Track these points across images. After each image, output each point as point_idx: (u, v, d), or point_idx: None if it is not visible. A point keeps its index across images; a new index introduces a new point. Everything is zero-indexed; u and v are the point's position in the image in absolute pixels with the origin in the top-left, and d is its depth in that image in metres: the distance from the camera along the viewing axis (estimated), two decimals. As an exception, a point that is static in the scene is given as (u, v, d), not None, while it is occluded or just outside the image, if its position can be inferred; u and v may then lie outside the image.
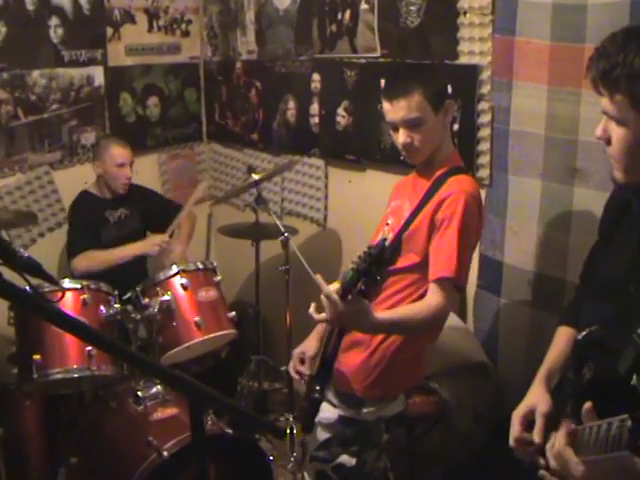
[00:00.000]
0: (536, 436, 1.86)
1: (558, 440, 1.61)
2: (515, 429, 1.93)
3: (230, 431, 3.13)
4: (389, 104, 2.54)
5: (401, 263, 2.59)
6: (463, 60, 3.47)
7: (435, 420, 3.28)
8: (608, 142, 1.65)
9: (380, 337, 2.65)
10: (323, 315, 2.31)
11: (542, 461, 1.82)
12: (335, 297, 2.21)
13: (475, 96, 3.43)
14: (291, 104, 4.46)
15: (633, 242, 1.76)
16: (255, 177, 3.84)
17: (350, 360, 2.70)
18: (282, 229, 3.69)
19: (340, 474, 2.74)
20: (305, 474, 2.84)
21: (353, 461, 2.72)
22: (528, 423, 1.92)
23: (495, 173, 3.42)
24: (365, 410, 2.69)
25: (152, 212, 4.31)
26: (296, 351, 2.87)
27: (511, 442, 1.94)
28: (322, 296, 2.25)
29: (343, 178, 4.23)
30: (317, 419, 2.73)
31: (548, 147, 3.16)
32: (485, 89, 3.41)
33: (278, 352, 4.17)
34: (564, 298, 3.13)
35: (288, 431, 3.71)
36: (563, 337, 2.11)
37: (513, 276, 3.39)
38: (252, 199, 4.07)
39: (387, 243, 2.28)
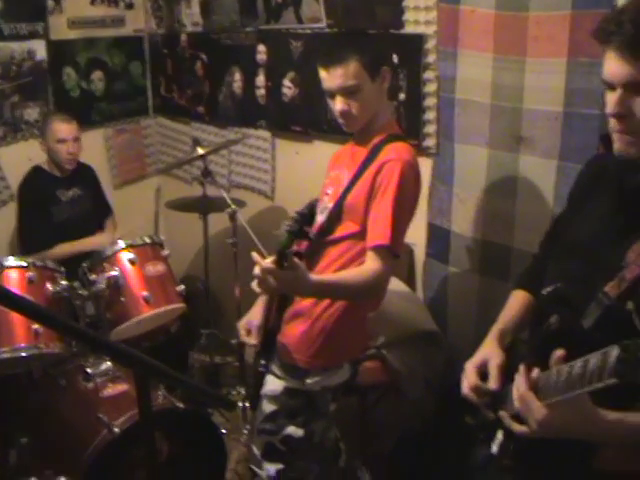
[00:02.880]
0: (491, 383, 1.87)
1: (522, 384, 1.63)
2: (470, 378, 1.93)
3: (181, 405, 3.12)
4: (325, 72, 2.52)
5: (340, 232, 2.58)
6: (409, 29, 3.46)
7: (386, 389, 3.30)
8: (626, 117, 1.57)
9: (321, 307, 2.65)
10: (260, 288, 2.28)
11: (492, 415, 1.84)
12: (269, 265, 2.18)
13: (421, 65, 3.42)
14: (237, 76, 4.42)
15: (604, 206, 1.77)
16: (200, 151, 3.81)
17: (292, 331, 2.70)
18: (229, 202, 3.67)
19: (288, 445, 2.75)
20: (253, 447, 2.85)
21: (300, 432, 2.73)
22: (481, 374, 1.93)
23: (442, 142, 3.42)
24: (309, 380, 2.69)
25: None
26: (241, 323, 2.87)
27: (465, 390, 1.94)
28: (256, 269, 2.22)
29: (290, 150, 4.23)
30: (263, 392, 2.74)
31: (494, 115, 3.17)
32: (431, 58, 3.40)
33: (228, 325, 4.16)
34: (511, 265, 3.17)
35: (240, 404, 3.76)
36: (518, 300, 2.12)
37: (461, 244, 3.42)
38: (199, 172, 4.03)
39: (315, 202, 2.27)
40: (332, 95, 2.56)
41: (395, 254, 2.52)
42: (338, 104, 2.54)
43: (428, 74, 3.42)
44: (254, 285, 2.27)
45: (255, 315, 2.85)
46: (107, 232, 4.29)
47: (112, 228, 4.39)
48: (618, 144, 1.63)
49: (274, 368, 2.75)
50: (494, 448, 1.84)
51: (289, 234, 2.22)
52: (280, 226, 2.50)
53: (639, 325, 1.29)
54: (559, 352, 1.56)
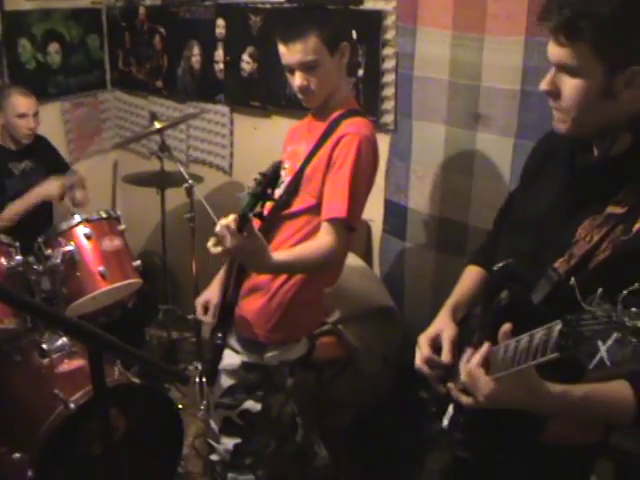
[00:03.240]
0: (444, 356, 1.89)
1: (473, 358, 1.65)
2: (423, 350, 1.95)
3: (138, 381, 3.12)
4: (285, 47, 2.50)
5: (297, 206, 2.57)
6: (368, 5, 3.46)
7: (343, 364, 3.33)
8: (556, 95, 1.62)
9: (279, 281, 2.65)
10: (220, 248, 2.23)
11: (443, 389, 1.86)
12: (229, 224, 2.14)
13: (380, 42, 3.42)
14: (196, 50, 4.38)
15: (555, 183, 1.79)
16: (158, 125, 3.78)
17: (250, 305, 2.69)
18: (187, 176, 3.65)
19: (246, 420, 2.76)
20: (211, 421, 2.86)
21: (258, 406, 2.74)
22: (435, 347, 1.95)
23: (399, 118, 3.43)
24: (268, 355, 2.69)
25: (56, 169, 4.20)
26: (199, 300, 2.86)
27: (418, 363, 1.96)
28: (217, 227, 2.18)
29: (248, 125, 4.21)
30: (221, 366, 2.74)
31: (452, 93, 3.18)
32: (390, 35, 3.40)
33: (186, 301, 4.15)
34: (467, 242, 3.19)
35: (197, 379, 3.75)
36: (471, 275, 2.14)
37: (417, 220, 3.44)
38: (157, 147, 3.99)
39: (281, 163, 2.26)
40: (291, 70, 2.55)
41: (351, 227, 2.52)
42: (297, 79, 2.53)
43: (387, 50, 3.43)
44: (210, 244, 2.24)
45: (212, 292, 2.84)
46: (54, 178, 4.14)
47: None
48: (554, 121, 1.68)
49: (232, 342, 2.75)
50: (445, 422, 1.87)
51: (251, 196, 2.18)
52: (243, 189, 2.48)
53: (577, 291, 1.30)
54: (506, 327, 1.59)
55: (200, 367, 3.79)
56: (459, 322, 2.02)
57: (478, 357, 1.63)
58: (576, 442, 1.76)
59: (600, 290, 1.25)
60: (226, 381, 2.75)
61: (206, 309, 2.82)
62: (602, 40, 1.49)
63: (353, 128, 2.54)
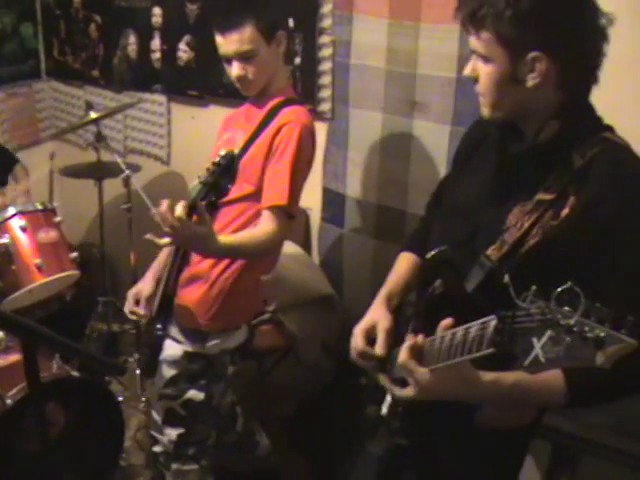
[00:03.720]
0: (378, 348, 1.89)
1: (401, 353, 1.65)
2: (358, 342, 1.95)
3: (77, 374, 3.08)
4: (221, 37, 2.50)
5: (235, 193, 2.56)
6: (301, -6, 3.45)
7: (284, 353, 3.34)
8: (476, 80, 1.67)
9: (218, 270, 2.65)
10: (168, 239, 2.22)
11: (382, 379, 1.87)
12: (179, 212, 2.11)
13: (316, 30, 3.42)
14: (132, 39, 4.32)
15: (486, 169, 1.80)
16: (93, 115, 3.72)
17: (191, 295, 2.69)
18: (123, 167, 3.60)
19: (189, 410, 2.75)
20: (154, 413, 2.84)
21: (201, 395, 2.74)
22: (370, 338, 1.95)
23: (337, 106, 3.44)
24: (209, 343, 2.69)
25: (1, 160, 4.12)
26: (131, 292, 2.84)
27: (353, 355, 1.97)
28: (160, 218, 2.15)
29: (186, 114, 4.17)
30: (162, 357, 2.73)
31: (388, 80, 3.20)
32: (326, 23, 3.40)
33: (125, 293, 4.10)
34: (405, 228, 3.22)
35: (138, 371, 3.72)
36: (404, 262, 2.14)
37: (355, 208, 3.45)
38: (93, 137, 3.93)
39: (233, 152, 2.25)
40: (228, 60, 2.55)
41: (291, 215, 2.55)
42: (235, 69, 2.53)
43: (324, 39, 3.42)
44: (151, 237, 2.22)
45: (144, 284, 2.82)
46: (20, 182, 4.06)
47: (24, 175, 4.21)
48: (480, 105, 1.73)
49: (173, 333, 2.73)
50: (384, 410, 1.88)
51: (202, 185, 2.17)
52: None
53: (511, 289, 1.32)
54: (446, 321, 1.59)
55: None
56: (394, 310, 2.03)
57: (407, 350, 1.65)
58: (510, 424, 1.78)
59: (534, 287, 1.26)
60: (168, 372, 2.74)
61: (137, 301, 2.80)
62: (501, 28, 1.55)
63: (293, 117, 2.55)
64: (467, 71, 1.69)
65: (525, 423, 1.82)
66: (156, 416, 2.82)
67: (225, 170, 2.18)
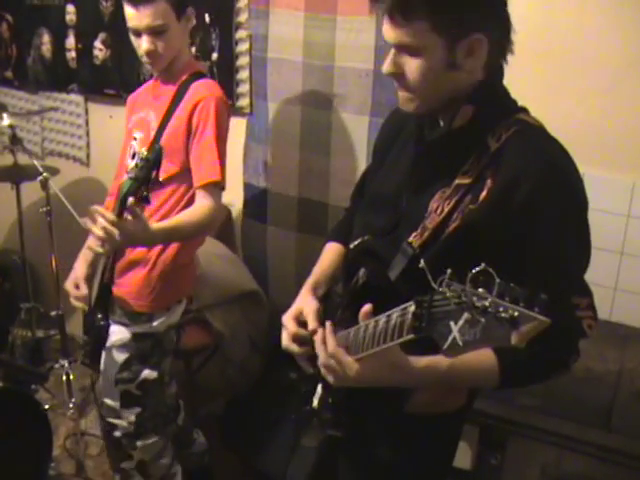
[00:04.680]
0: (310, 326, 1.83)
1: (328, 341, 1.63)
2: (289, 327, 1.90)
3: (0, 384, 3.01)
4: (134, 10, 2.48)
5: (160, 176, 2.50)
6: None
7: (211, 351, 3.31)
8: (400, 76, 1.60)
9: (155, 252, 2.66)
10: (106, 247, 2.26)
11: (311, 369, 1.86)
12: (111, 217, 2.15)
13: (233, 24, 3.39)
14: (46, 38, 4.23)
15: (406, 158, 1.79)
16: (7, 118, 3.63)
17: (130, 280, 2.70)
18: (40, 169, 3.52)
19: (143, 389, 2.77)
20: (107, 400, 2.81)
21: (155, 374, 2.77)
22: (300, 324, 1.91)
23: (255, 101, 3.42)
24: (155, 323, 2.72)
25: None
26: (68, 282, 2.78)
27: (285, 342, 1.91)
28: (98, 223, 2.16)
29: (104, 114, 4.11)
30: (109, 344, 2.73)
31: (306, 73, 3.20)
32: (243, 17, 3.37)
33: (48, 298, 4.03)
34: (327, 221, 3.22)
35: (64, 377, 3.65)
36: (330, 252, 2.12)
37: (278, 202, 3.45)
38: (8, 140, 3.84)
39: (160, 146, 2.24)
40: (138, 34, 2.53)
41: (223, 187, 2.58)
42: (145, 44, 2.51)
43: (240, 33, 3.40)
44: (94, 245, 2.20)
45: (78, 269, 2.79)
46: None
47: None
48: (400, 100, 1.67)
49: (118, 317, 2.73)
50: (315, 402, 1.87)
51: (133, 181, 2.15)
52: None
53: (428, 273, 1.31)
54: (366, 307, 1.57)
55: (66, 364, 3.68)
56: (320, 299, 2.02)
57: (330, 339, 1.63)
58: (442, 409, 1.79)
59: (449, 270, 1.26)
60: (119, 356, 2.73)
61: (77, 285, 2.76)
62: (437, 14, 1.50)
63: (206, 91, 2.58)
64: (388, 67, 1.61)
65: (457, 407, 1.83)
66: (112, 402, 2.80)
67: (155, 164, 2.18)
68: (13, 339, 4.16)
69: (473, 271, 1.21)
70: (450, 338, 1.24)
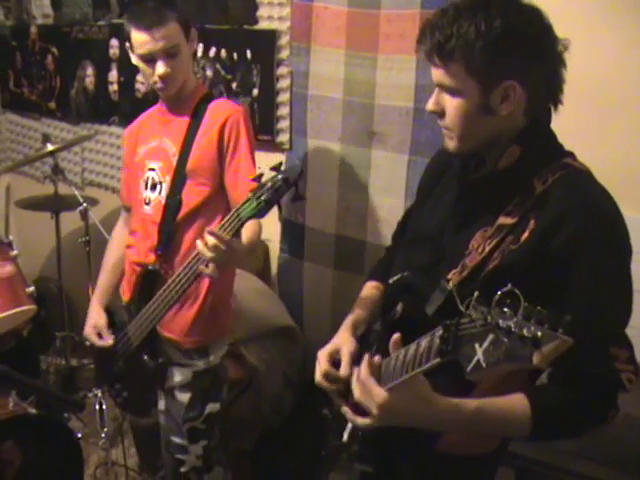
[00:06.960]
0: (342, 369, 1.86)
1: (361, 370, 1.63)
2: (322, 364, 1.91)
3: (34, 411, 3.02)
4: (147, 34, 2.41)
5: (193, 201, 2.53)
6: (262, 25, 3.47)
7: (245, 386, 3.30)
8: (441, 114, 1.65)
9: (205, 286, 2.62)
10: (212, 266, 2.19)
11: (345, 407, 1.85)
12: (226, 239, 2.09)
13: (274, 61, 3.44)
14: (89, 71, 4.31)
15: (450, 196, 1.80)
16: (50, 147, 3.69)
17: (182, 319, 2.65)
18: (80, 199, 3.57)
19: (208, 423, 2.78)
20: (175, 438, 2.79)
21: (217, 406, 2.78)
22: (334, 362, 1.92)
23: (295, 137, 3.45)
24: (212, 356, 2.72)
25: None
26: (87, 331, 2.85)
27: (318, 378, 1.92)
28: (205, 246, 2.11)
29: (144, 146, 4.14)
30: (169, 385, 2.71)
31: (346, 111, 3.22)
32: (284, 54, 3.42)
33: (84, 327, 4.05)
34: (364, 258, 3.22)
35: (97, 407, 3.66)
36: (370, 291, 2.12)
37: (315, 239, 3.45)
38: (50, 170, 3.90)
39: (300, 167, 2.22)
40: (150, 59, 2.47)
41: None
42: (161, 67, 2.45)
43: (281, 70, 3.44)
44: (205, 268, 2.19)
45: (96, 317, 2.83)
46: None
47: None
48: (444, 139, 1.71)
49: (176, 359, 2.70)
50: (345, 437, 1.86)
51: (259, 202, 1.99)
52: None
53: (457, 297, 1.33)
54: (395, 337, 1.59)
55: (99, 394, 3.70)
56: (359, 338, 2.02)
57: (370, 370, 1.63)
58: (475, 451, 1.77)
59: (476, 293, 1.26)
60: (183, 396, 2.72)
61: (99, 335, 2.77)
62: (472, 60, 1.53)
63: (230, 107, 2.56)
64: (431, 106, 1.66)
65: (490, 449, 1.80)
66: (180, 440, 2.78)
67: (291, 186, 2.00)
68: (47, 367, 4.19)
69: (499, 292, 1.22)
70: (474, 360, 1.24)
